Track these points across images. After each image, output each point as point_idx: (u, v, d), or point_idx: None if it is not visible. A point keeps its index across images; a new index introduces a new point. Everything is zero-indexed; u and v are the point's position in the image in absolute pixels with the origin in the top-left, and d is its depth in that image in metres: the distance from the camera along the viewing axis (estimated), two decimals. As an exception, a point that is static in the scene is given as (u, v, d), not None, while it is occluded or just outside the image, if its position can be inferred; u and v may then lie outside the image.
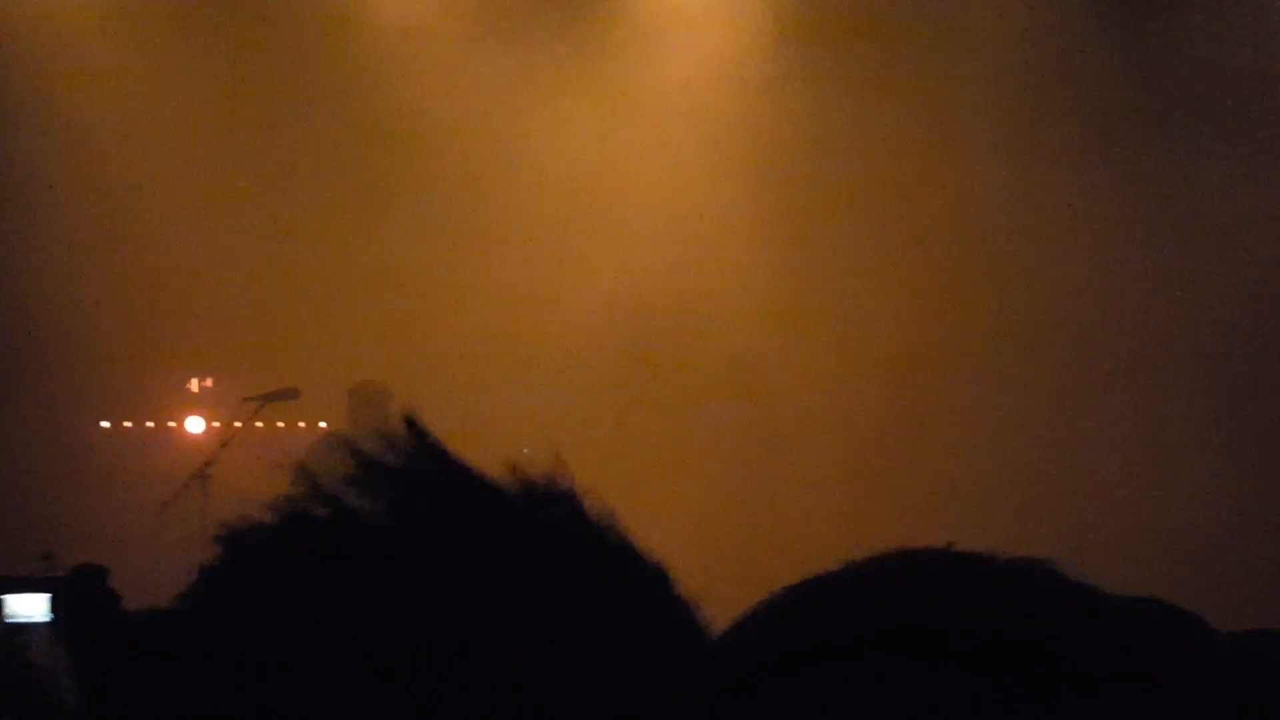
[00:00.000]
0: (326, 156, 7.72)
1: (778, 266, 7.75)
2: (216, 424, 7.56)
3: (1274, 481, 7.37)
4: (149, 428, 7.96)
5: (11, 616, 5.45)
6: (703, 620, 0.69)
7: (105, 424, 8.00)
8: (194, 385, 7.83)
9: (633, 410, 7.65)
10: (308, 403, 7.23)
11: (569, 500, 0.69)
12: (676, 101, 7.87)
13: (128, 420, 8.00)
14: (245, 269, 7.69)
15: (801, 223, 7.79)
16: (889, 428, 7.62)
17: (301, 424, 7.88)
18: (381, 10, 7.82)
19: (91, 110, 7.58)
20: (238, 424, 6.82)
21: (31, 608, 5.41)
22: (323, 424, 7.86)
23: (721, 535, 7.37)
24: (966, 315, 7.68)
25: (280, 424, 7.80)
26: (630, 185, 7.77)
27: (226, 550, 0.63)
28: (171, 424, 7.91)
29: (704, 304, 7.69)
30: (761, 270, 7.73)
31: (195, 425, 7.68)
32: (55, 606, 5.22)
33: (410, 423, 0.69)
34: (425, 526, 0.64)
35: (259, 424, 7.15)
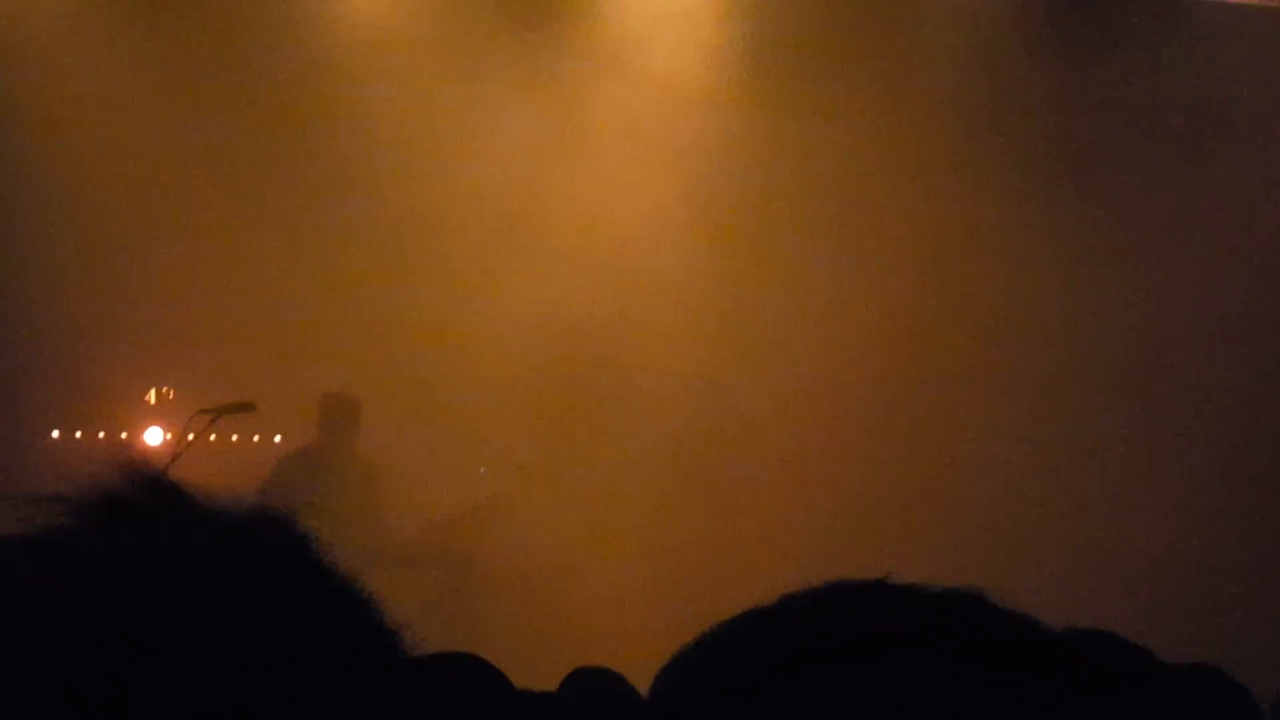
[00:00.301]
0: (288, 168, 7.70)
1: (725, 289, 7.78)
2: (169, 436, 7.50)
3: (1243, 505, 7.46)
4: (100, 438, 7.88)
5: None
6: (402, 652, 0.72)
7: (56, 434, 7.91)
8: (151, 396, 7.76)
9: (585, 429, 7.64)
10: (263, 416, 7.18)
11: (281, 531, 0.72)
12: (626, 123, 7.89)
13: (79, 430, 7.92)
14: (202, 280, 7.65)
15: (749, 245, 7.83)
16: (837, 452, 7.66)
17: (256, 438, 7.83)
18: (340, 30, 7.80)
19: (46, 119, 7.53)
20: (191, 436, 6.76)
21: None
22: (278, 437, 7.82)
23: (668, 555, 7.37)
24: (917, 338, 7.74)
25: (235, 437, 7.74)
26: (580, 205, 7.79)
27: None
28: (124, 434, 7.83)
29: (656, 324, 7.70)
30: (709, 292, 7.76)
31: (154, 437, 7.58)
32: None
33: (140, 459, 0.73)
34: (129, 551, 0.68)
35: (213, 437, 7.09)
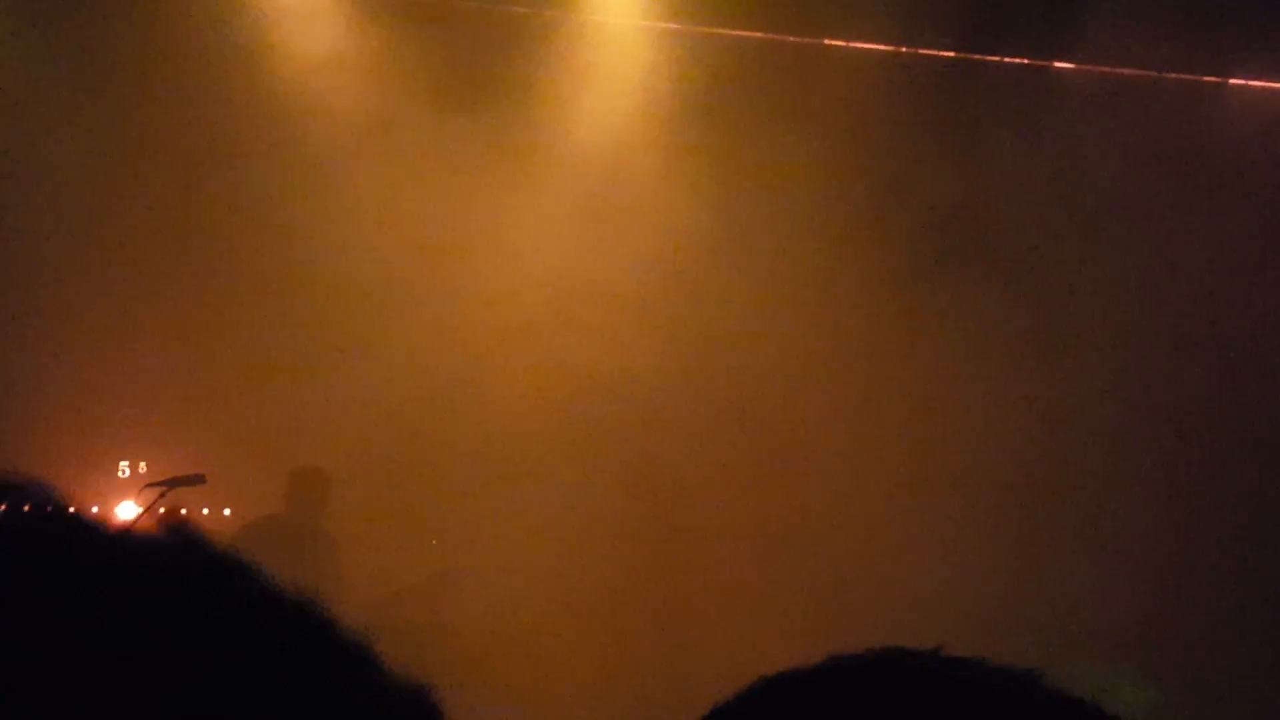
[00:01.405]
0: (247, 232, 7.71)
1: (675, 349, 7.83)
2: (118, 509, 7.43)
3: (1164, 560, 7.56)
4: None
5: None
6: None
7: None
8: (123, 469, 7.66)
9: (540, 499, 7.64)
10: (214, 488, 7.13)
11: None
12: (573, 168, 7.96)
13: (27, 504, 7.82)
14: (151, 352, 7.64)
15: (698, 312, 7.90)
16: (794, 514, 7.70)
17: (206, 510, 7.78)
18: (299, 87, 7.84)
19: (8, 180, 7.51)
20: (141, 509, 6.73)
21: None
22: (227, 510, 7.77)
23: (627, 628, 7.36)
24: (849, 395, 7.81)
25: (184, 510, 7.68)
26: (533, 270, 7.84)
27: None
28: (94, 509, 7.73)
29: (611, 390, 7.74)
30: (658, 355, 7.81)
31: (127, 511, 7.45)
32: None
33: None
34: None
35: (163, 510, 7.03)
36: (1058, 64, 8.16)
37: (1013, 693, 0.78)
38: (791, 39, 8.06)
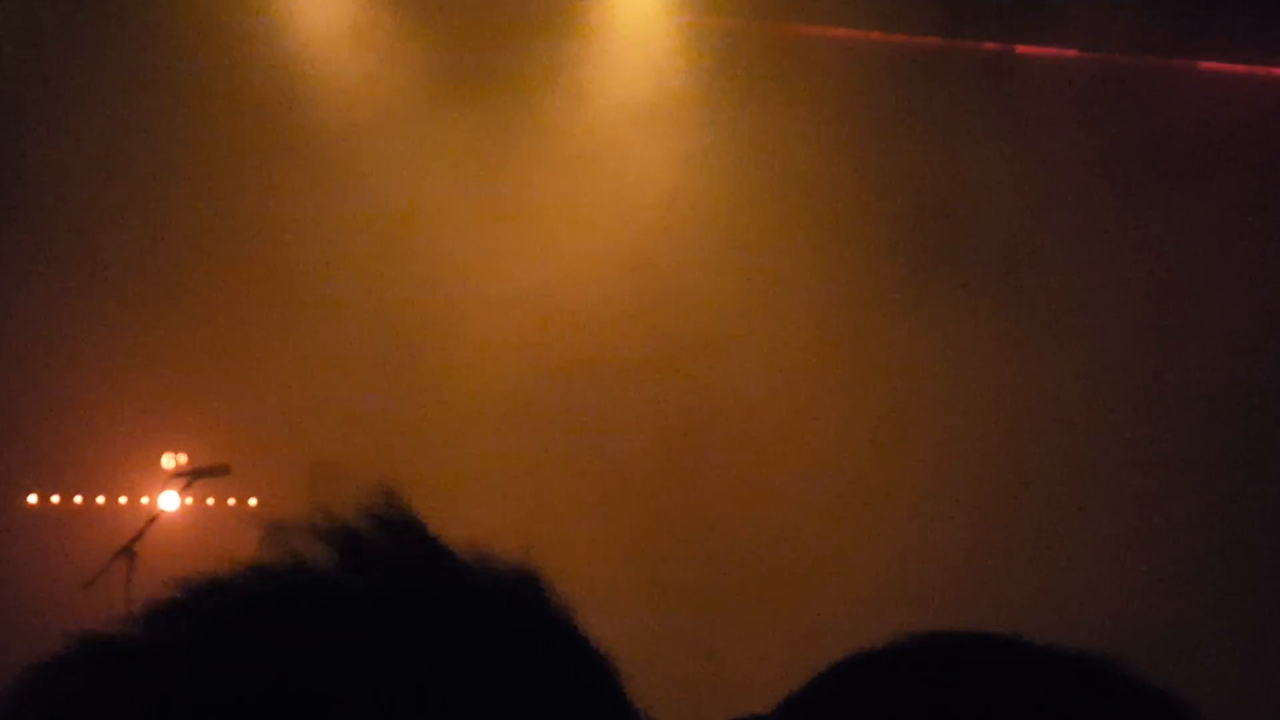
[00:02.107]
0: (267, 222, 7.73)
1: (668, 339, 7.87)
2: (145, 500, 7.53)
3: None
4: (77, 503, 7.90)
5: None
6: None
7: (33, 498, 7.90)
8: (167, 461, 7.65)
9: (559, 492, 7.67)
10: (238, 479, 7.20)
11: (528, 583, 0.68)
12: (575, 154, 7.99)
13: (57, 495, 7.92)
14: (180, 340, 7.68)
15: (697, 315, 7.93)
16: (792, 514, 7.70)
17: (231, 501, 7.86)
18: (328, 106, 7.91)
19: (45, 171, 7.54)
20: (180, 500, 6.85)
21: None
22: (253, 500, 7.85)
23: (654, 610, 7.48)
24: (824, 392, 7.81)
25: (210, 500, 7.81)
26: (536, 263, 7.86)
27: (190, 591, 0.63)
28: (100, 499, 7.84)
29: (616, 380, 7.76)
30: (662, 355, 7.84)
31: (169, 502, 7.42)
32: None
33: (389, 497, 0.69)
34: (386, 590, 0.64)
35: (188, 500, 7.17)
36: (1032, 48, 8.12)
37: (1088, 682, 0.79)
38: (772, 26, 8.04)
